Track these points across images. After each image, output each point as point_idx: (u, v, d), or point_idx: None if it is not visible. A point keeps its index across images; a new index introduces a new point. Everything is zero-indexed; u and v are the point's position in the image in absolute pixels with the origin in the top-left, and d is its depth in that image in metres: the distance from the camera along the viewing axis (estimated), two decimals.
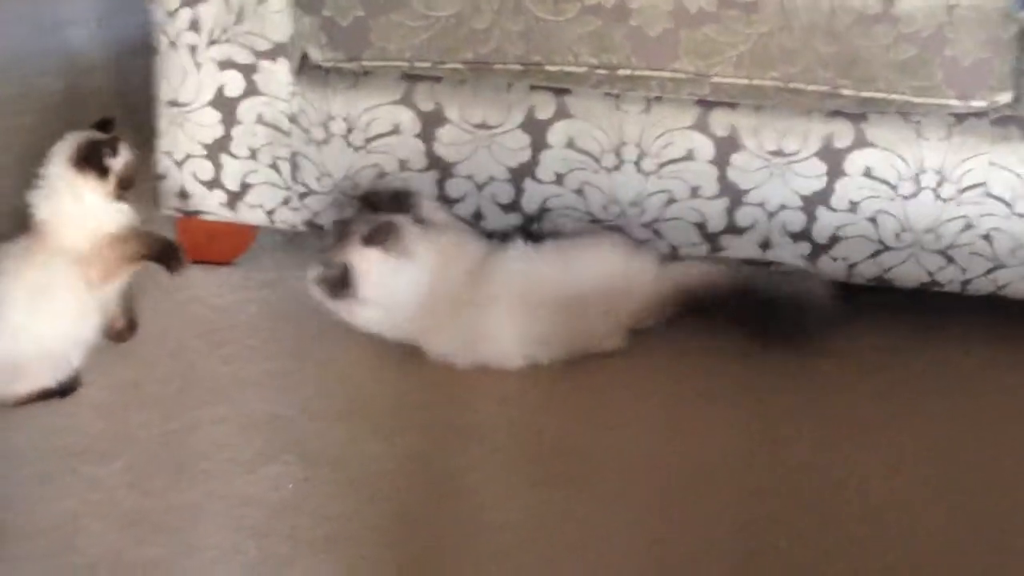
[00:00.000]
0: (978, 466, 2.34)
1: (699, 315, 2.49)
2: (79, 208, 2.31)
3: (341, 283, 2.35)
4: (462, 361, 2.42)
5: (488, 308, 2.39)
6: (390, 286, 2.36)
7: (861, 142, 2.36)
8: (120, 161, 2.33)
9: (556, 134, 2.39)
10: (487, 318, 2.40)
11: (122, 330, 2.43)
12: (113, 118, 2.39)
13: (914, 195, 2.38)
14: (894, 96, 2.30)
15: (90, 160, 2.30)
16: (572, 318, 2.42)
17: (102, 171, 2.31)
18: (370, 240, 2.34)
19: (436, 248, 2.38)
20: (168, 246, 2.38)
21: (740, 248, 2.45)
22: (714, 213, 2.43)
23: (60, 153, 2.32)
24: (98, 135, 2.35)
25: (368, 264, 2.34)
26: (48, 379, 2.31)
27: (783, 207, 2.41)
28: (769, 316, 2.47)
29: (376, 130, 2.40)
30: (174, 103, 2.42)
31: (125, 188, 2.34)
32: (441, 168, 2.43)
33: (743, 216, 2.43)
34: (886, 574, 2.15)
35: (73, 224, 2.31)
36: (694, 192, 2.41)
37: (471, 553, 2.15)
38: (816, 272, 2.46)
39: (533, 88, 2.38)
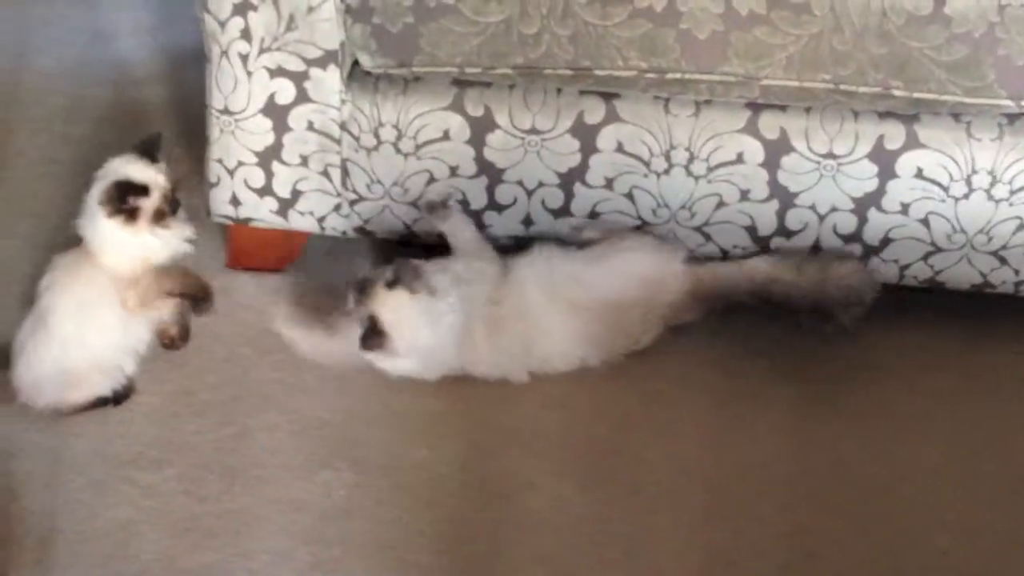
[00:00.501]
0: None
1: (734, 310, 2.49)
2: (114, 241, 2.32)
3: (373, 335, 2.32)
4: (518, 376, 2.41)
5: (532, 314, 2.39)
6: (423, 326, 2.33)
7: (913, 143, 2.35)
8: (154, 196, 2.32)
9: (605, 138, 2.39)
10: (534, 324, 2.39)
11: (175, 338, 2.44)
12: (160, 133, 2.41)
13: (966, 196, 2.36)
14: (946, 97, 2.28)
15: (117, 204, 2.30)
16: (611, 316, 2.42)
17: (131, 213, 2.30)
18: (393, 283, 2.32)
19: (456, 276, 2.38)
20: (201, 289, 2.41)
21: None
22: (764, 216, 2.42)
23: (95, 189, 2.32)
24: (132, 171, 2.33)
25: (396, 309, 2.32)
26: (102, 387, 2.33)
27: (834, 209, 2.40)
28: (802, 312, 2.47)
29: (426, 136, 2.41)
30: (225, 111, 2.44)
31: (163, 216, 2.34)
32: (491, 174, 2.43)
33: (794, 219, 2.42)
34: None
35: (112, 252, 2.33)
36: (744, 195, 2.40)
37: (520, 557, 2.16)
38: (863, 267, 2.45)
39: (582, 93, 2.38)
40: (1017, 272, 2.43)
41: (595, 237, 2.45)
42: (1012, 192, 2.35)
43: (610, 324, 2.42)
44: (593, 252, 2.44)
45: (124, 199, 2.30)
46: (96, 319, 2.31)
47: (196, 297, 2.41)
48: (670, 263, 2.45)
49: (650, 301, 2.44)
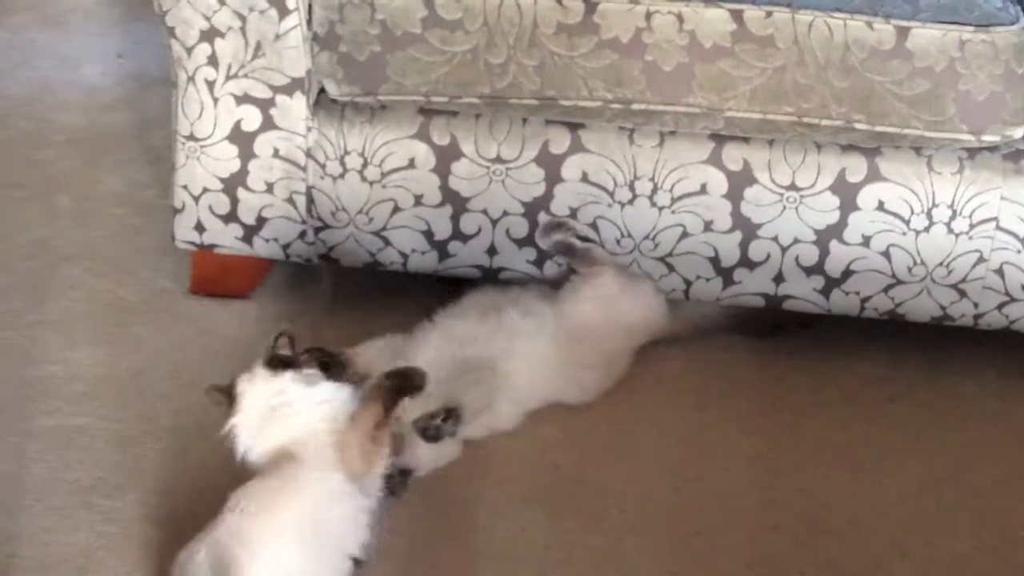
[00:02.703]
0: (992, 497, 2.34)
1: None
2: (299, 409, 2.14)
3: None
4: (510, 424, 2.40)
5: (523, 364, 2.40)
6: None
7: (874, 176, 2.37)
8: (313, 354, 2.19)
9: (570, 168, 2.40)
10: (521, 374, 2.41)
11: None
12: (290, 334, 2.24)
13: (927, 229, 2.38)
14: (907, 131, 2.31)
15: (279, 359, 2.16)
16: (594, 353, 2.45)
17: (294, 364, 2.16)
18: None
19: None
20: (401, 379, 2.16)
21: (753, 282, 2.46)
22: (727, 247, 2.43)
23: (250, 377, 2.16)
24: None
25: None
26: None
27: (796, 241, 2.42)
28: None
29: (392, 164, 2.42)
30: (191, 137, 2.44)
31: (329, 367, 2.20)
32: (455, 203, 2.44)
33: (756, 250, 2.43)
34: None
35: (304, 431, 2.11)
36: (707, 226, 2.42)
37: None
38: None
39: (548, 122, 2.39)
40: (976, 305, 2.45)
41: (571, 262, 2.46)
42: (972, 226, 2.38)
43: (593, 362, 2.45)
44: (573, 291, 2.46)
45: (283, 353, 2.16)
46: (323, 537, 2.03)
47: (402, 390, 2.14)
48: (638, 292, 2.48)
49: (633, 337, 2.48)
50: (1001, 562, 2.23)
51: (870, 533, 2.26)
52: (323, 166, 2.43)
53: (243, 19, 2.34)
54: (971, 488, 2.36)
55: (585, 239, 2.43)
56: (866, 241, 2.40)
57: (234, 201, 2.48)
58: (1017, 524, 2.30)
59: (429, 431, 2.21)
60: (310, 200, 2.46)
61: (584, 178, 2.40)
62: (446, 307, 2.45)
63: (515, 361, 2.39)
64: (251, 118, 2.41)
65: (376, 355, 2.36)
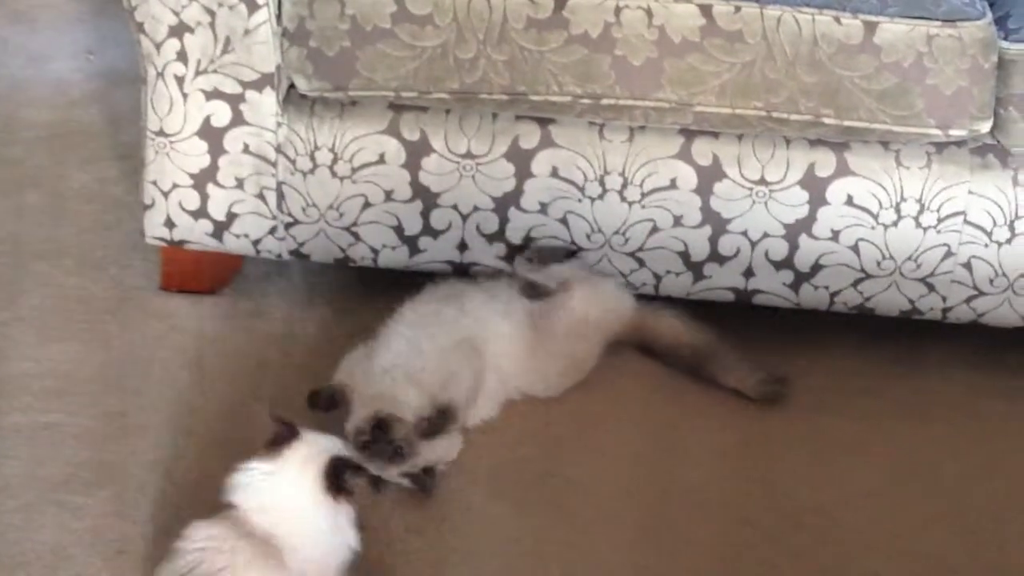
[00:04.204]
0: (959, 489, 2.35)
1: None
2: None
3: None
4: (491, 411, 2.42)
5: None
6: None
7: (843, 171, 2.38)
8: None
9: (540, 163, 2.41)
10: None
11: None
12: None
13: (895, 223, 2.39)
14: (876, 125, 2.32)
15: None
16: (566, 349, 2.47)
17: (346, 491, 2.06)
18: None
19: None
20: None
21: (723, 277, 2.46)
22: (697, 242, 2.44)
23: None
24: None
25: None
26: None
27: (766, 235, 2.43)
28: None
29: (362, 160, 2.42)
30: (161, 133, 2.43)
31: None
32: (426, 198, 2.44)
33: (726, 245, 2.44)
34: None
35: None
36: (677, 221, 2.42)
37: None
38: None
39: (518, 118, 2.40)
40: (944, 299, 2.46)
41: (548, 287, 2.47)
42: (940, 220, 2.39)
43: (565, 357, 2.46)
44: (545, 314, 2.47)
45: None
46: None
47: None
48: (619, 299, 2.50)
49: (604, 334, 2.49)
50: (969, 554, 2.24)
51: (838, 526, 2.27)
52: (293, 162, 2.43)
53: (212, 14, 2.33)
54: (939, 481, 2.37)
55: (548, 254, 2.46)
56: (835, 235, 2.41)
57: (204, 197, 2.48)
58: (985, 516, 2.31)
59: (423, 429, 2.24)
60: (280, 196, 2.46)
61: (554, 173, 2.41)
62: (405, 303, 2.44)
63: (497, 342, 2.40)
64: (221, 114, 2.41)
65: (351, 371, 2.35)
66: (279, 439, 2.06)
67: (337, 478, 2.03)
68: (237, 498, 2.03)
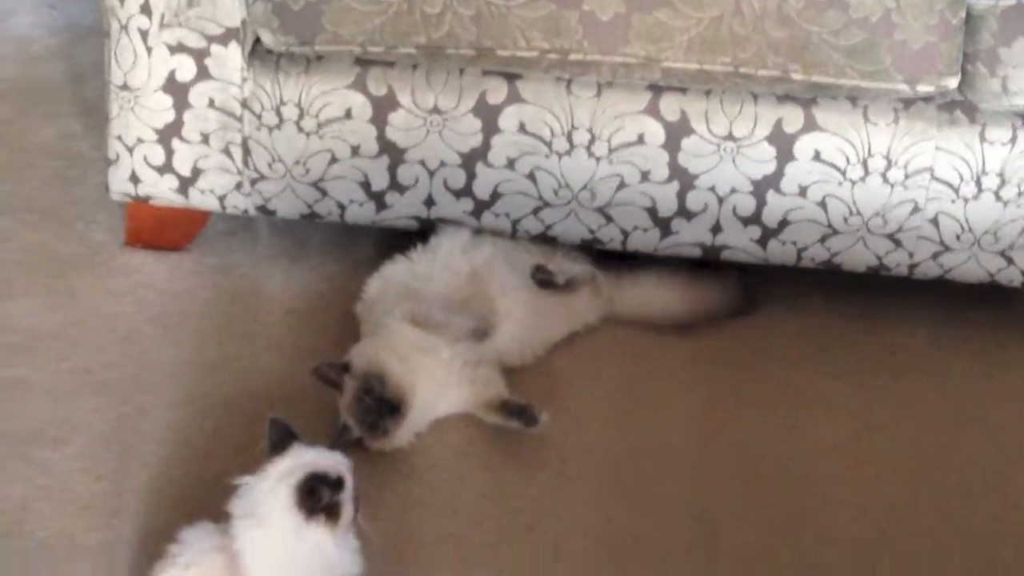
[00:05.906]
0: (926, 445, 2.37)
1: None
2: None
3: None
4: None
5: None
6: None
7: (811, 126, 2.38)
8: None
9: (508, 119, 2.40)
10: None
11: None
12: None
13: (862, 179, 2.40)
14: (843, 81, 2.32)
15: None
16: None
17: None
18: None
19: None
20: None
21: (691, 233, 2.47)
22: (665, 197, 2.44)
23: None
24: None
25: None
26: None
27: (733, 191, 2.43)
28: None
29: (328, 115, 2.40)
30: (125, 87, 2.42)
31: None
32: (392, 154, 2.43)
33: (694, 200, 2.44)
34: (840, 550, 2.18)
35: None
36: (645, 176, 2.42)
37: (425, 535, 2.16)
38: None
39: (485, 73, 2.39)
40: (911, 255, 2.47)
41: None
42: (907, 176, 2.39)
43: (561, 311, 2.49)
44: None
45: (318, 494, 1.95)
46: None
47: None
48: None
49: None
50: (934, 509, 2.26)
51: (806, 481, 2.28)
52: (259, 117, 2.41)
53: None
54: (905, 436, 2.38)
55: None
56: (802, 191, 2.42)
57: (169, 152, 2.46)
58: (950, 471, 2.33)
59: (539, 275, 2.45)
60: (246, 151, 2.45)
61: (521, 129, 2.40)
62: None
63: (513, 303, 2.44)
64: (185, 68, 2.39)
65: (382, 288, 2.43)
66: (276, 446, 1.99)
67: (310, 497, 1.93)
68: (231, 506, 1.96)
